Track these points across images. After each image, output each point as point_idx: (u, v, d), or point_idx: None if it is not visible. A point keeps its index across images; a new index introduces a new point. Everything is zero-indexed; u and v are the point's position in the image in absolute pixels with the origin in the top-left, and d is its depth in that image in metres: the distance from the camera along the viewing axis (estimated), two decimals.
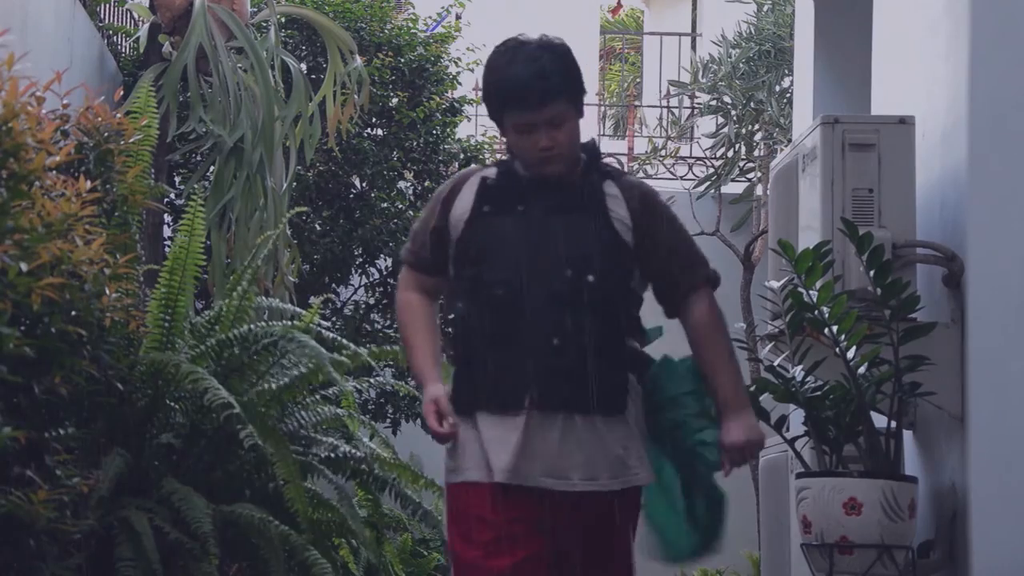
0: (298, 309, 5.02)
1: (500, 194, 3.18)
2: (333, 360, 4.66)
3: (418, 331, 3.24)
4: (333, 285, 8.11)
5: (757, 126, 8.44)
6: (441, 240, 3.21)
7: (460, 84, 8.58)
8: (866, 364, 4.02)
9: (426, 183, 8.39)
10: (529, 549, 3.04)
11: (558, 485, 3.06)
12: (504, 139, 3.22)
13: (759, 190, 8.57)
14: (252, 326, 4.67)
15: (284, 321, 4.80)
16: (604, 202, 3.16)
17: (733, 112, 8.41)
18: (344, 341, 4.98)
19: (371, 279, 8.31)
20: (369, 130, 8.19)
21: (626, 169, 9.16)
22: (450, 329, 3.27)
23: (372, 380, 5.32)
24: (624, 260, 3.15)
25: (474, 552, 3.06)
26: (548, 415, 3.06)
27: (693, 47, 11.31)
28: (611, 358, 3.12)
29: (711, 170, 8.86)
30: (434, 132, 8.21)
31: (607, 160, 3.35)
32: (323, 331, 4.93)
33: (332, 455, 4.84)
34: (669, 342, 3.25)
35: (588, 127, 9.23)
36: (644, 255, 3.16)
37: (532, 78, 3.09)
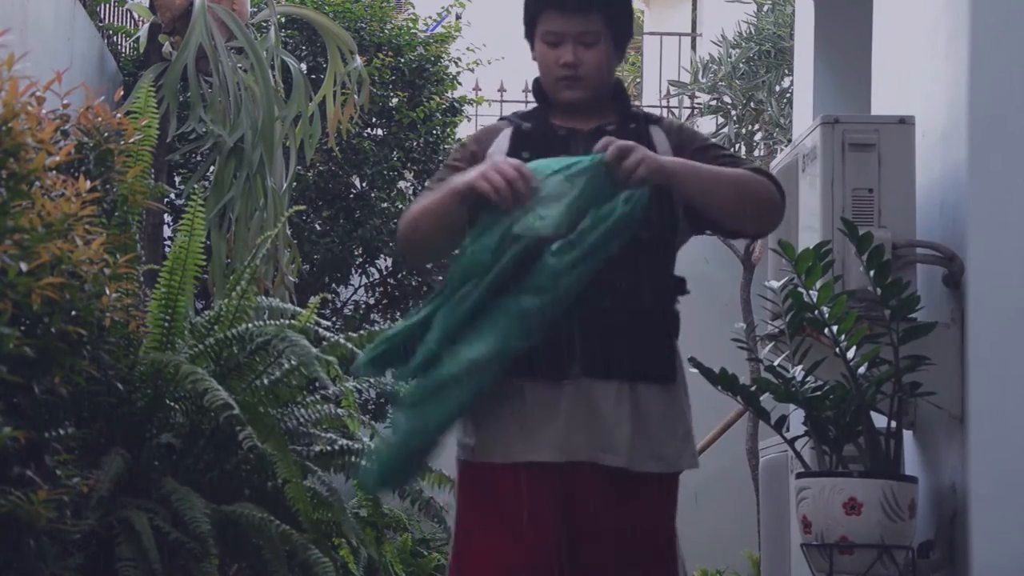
0: (298, 309, 5.03)
1: (539, 142, 2.92)
2: (320, 357, 4.66)
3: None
4: (333, 285, 8.12)
5: (757, 126, 8.44)
6: None
7: (460, 84, 8.59)
8: (866, 364, 4.02)
9: (426, 183, 8.39)
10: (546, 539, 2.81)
11: (611, 460, 2.80)
12: (533, 59, 3.00)
13: None
14: (248, 325, 4.67)
15: (283, 321, 4.80)
16: (655, 151, 2.89)
17: (733, 112, 8.41)
18: (340, 339, 4.97)
19: (371, 279, 8.32)
20: (369, 130, 8.20)
21: None
22: None
23: (372, 380, 5.32)
24: (673, 214, 2.91)
25: (498, 541, 2.81)
26: (599, 383, 2.82)
27: (693, 47, 11.32)
28: (662, 321, 2.93)
29: None
30: (434, 132, 8.22)
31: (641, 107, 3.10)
32: (321, 330, 4.94)
33: (329, 448, 4.84)
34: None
35: None
36: None
37: None
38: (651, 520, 2.89)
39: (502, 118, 3.10)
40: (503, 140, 2.97)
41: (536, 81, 3.03)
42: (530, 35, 3.00)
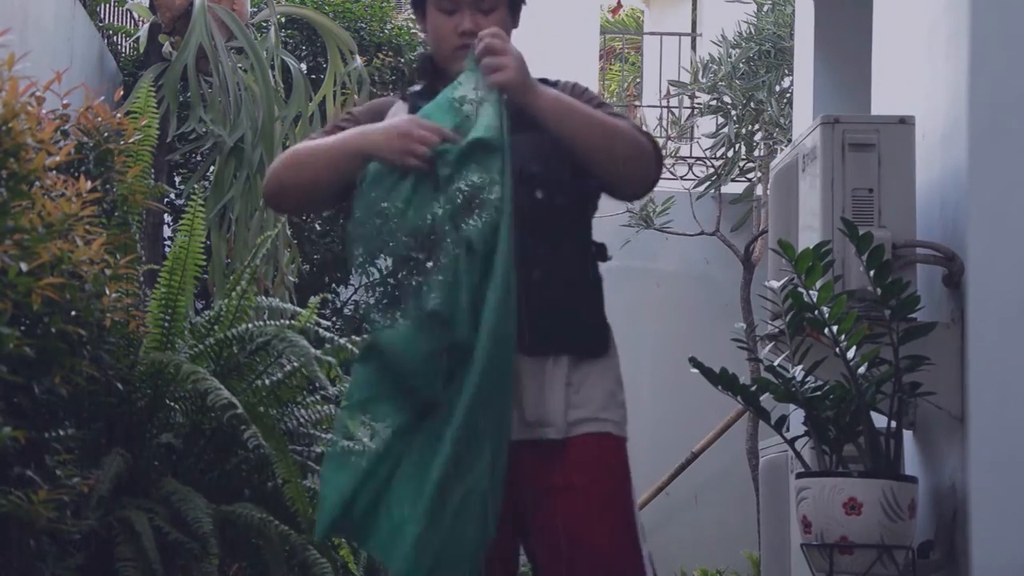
0: (298, 308, 5.03)
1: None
2: (319, 358, 4.65)
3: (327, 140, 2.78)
4: (333, 285, 8.12)
5: (757, 126, 8.44)
6: None
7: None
8: (866, 364, 4.02)
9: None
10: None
11: (548, 433, 2.71)
12: (423, 32, 2.89)
13: (759, 190, 8.58)
14: (248, 325, 4.67)
15: (283, 321, 4.80)
16: None
17: (733, 112, 8.41)
18: (340, 340, 4.97)
19: (371, 279, 8.30)
20: None
21: None
22: None
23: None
24: (563, 174, 2.80)
25: None
26: (537, 360, 2.72)
27: (693, 47, 11.31)
28: (591, 289, 2.81)
29: (711, 170, 8.86)
30: None
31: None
32: (320, 331, 4.94)
33: (330, 450, 4.83)
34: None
35: None
36: None
37: None
38: (600, 483, 2.74)
39: (398, 95, 2.98)
40: (399, 114, 2.83)
41: (424, 57, 2.92)
42: (419, 6, 2.88)
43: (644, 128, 2.89)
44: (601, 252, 2.89)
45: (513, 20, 2.90)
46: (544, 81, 2.91)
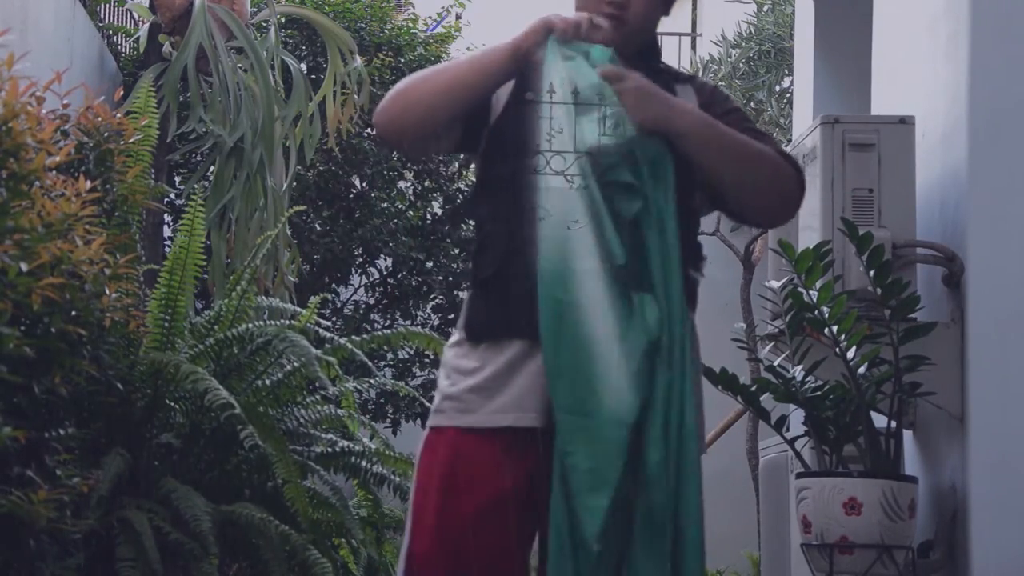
0: (298, 309, 5.03)
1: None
2: (320, 358, 4.66)
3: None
4: (333, 285, 8.12)
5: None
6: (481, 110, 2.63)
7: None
8: (866, 364, 4.02)
9: (426, 183, 8.41)
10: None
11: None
12: None
13: None
14: (248, 325, 4.67)
15: (283, 321, 4.81)
16: None
17: None
18: (342, 341, 4.98)
19: (371, 279, 8.32)
20: (369, 130, 8.21)
21: None
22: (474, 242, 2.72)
23: (372, 380, 5.33)
24: (690, 173, 2.60)
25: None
26: None
27: (693, 47, 11.31)
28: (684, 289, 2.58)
29: None
30: None
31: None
32: (321, 331, 4.94)
33: (330, 450, 4.84)
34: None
35: None
36: None
37: None
38: None
39: None
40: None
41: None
42: None
43: (786, 149, 2.75)
44: (698, 251, 2.71)
45: (664, 6, 2.72)
46: (676, 77, 2.77)
